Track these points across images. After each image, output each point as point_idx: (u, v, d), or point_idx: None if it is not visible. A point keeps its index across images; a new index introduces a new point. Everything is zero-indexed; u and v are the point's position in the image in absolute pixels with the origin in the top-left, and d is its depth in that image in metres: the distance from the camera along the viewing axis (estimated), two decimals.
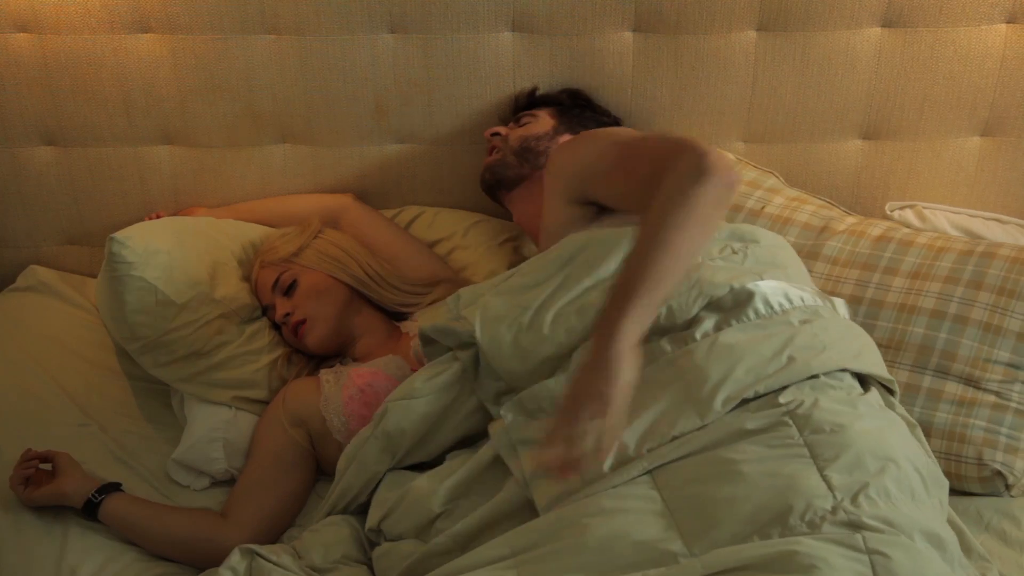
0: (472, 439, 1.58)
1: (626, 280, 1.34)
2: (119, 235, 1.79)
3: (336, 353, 1.93)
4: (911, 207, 2.05)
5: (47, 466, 1.73)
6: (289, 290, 1.90)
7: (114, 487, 1.71)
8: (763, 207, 1.93)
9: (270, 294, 1.92)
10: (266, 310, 1.95)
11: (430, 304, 1.96)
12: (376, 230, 2.06)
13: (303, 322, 1.88)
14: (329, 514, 1.64)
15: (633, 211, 1.47)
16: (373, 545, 1.58)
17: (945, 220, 2.04)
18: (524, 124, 1.96)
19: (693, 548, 1.27)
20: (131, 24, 1.99)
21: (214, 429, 1.82)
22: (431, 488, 1.49)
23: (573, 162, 1.66)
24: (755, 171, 2.03)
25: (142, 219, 2.03)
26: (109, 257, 1.78)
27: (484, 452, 1.50)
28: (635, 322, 1.31)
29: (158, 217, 2.06)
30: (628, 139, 1.63)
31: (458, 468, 1.51)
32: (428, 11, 1.98)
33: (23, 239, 2.21)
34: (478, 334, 1.49)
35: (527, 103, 2.03)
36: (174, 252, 1.84)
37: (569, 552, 1.28)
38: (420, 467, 1.60)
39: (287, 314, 1.88)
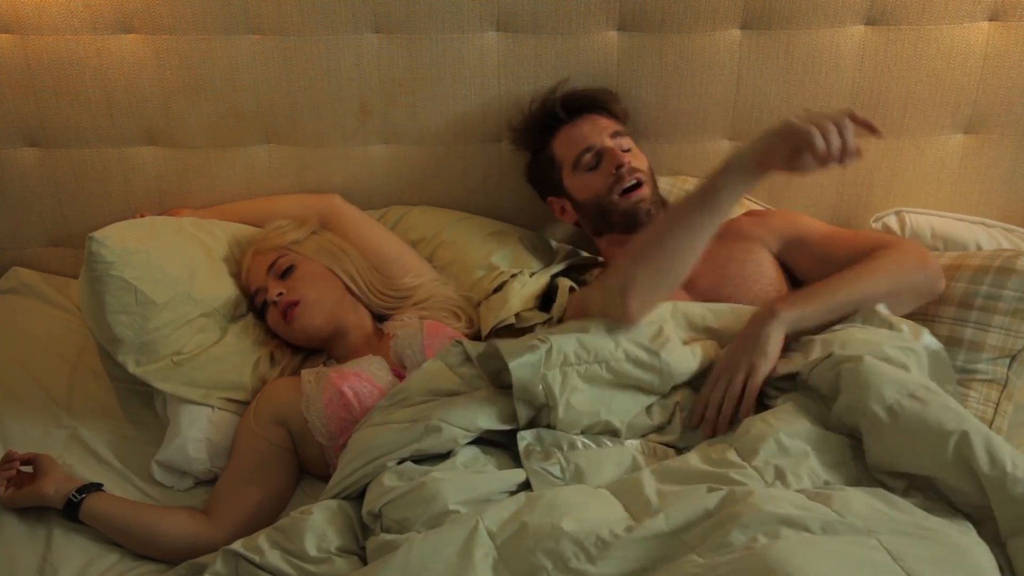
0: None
1: (810, 288, 1.62)
2: (98, 234, 1.78)
3: (320, 348, 1.92)
4: (895, 213, 2.06)
5: (28, 468, 1.72)
6: (285, 273, 1.88)
7: (95, 487, 1.70)
8: None
9: (264, 277, 1.89)
10: (255, 296, 1.92)
11: (413, 306, 1.95)
12: (361, 230, 2.05)
13: (296, 304, 1.85)
14: (337, 496, 1.58)
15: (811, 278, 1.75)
16: (366, 531, 1.55)
17: (928, 225, 2.04)
18: (629, 149, 1.91)
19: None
20: (114, 24, 1.99)
21: (197, 429, 1.81)
22: (450, 481, 1.48)
23: (796, 224, 1.90)
24: None
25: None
26: (89, 256, 1.77)
27: (514, 472, 1.52)
28: (795, 312, 1.56)
29: (141, 217, 2.05)
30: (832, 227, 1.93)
31: (481, 468, 1.52)
32: (413, 11, 1.98)
33: (6, 241, 2.20)
34: (561, 415, 1.55)
35: (591, 104, 1.96)
36: (154, 251, 1.83)
37: (545, 536, 1.33)
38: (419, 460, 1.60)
39: (280, 293, 1.86)
